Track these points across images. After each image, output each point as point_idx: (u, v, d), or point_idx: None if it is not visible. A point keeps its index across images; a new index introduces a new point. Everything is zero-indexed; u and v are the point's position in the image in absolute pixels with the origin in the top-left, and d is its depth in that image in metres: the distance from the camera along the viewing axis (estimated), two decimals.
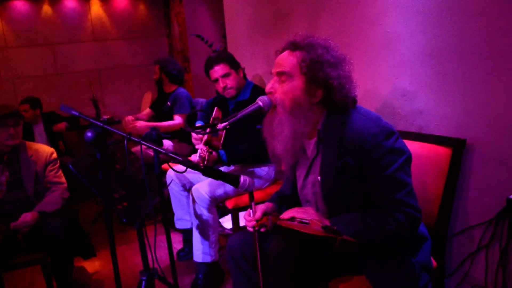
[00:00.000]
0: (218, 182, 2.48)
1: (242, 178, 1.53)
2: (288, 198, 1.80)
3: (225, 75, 2.58)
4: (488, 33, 1.54)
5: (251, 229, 1.60)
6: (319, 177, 1.52)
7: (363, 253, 1.44)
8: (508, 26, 1.48)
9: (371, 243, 1.38)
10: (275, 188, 2.65)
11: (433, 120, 1.77)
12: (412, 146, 1.61)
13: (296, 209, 1.50)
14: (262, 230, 1.59)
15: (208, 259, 2.48)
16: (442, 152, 1.68)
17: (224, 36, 4.43)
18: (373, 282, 1.39)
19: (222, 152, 2.46)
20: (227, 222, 3.35)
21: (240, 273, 1.70)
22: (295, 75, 1.46)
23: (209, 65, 2.62)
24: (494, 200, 1.59)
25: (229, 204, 2.52)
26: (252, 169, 2.66)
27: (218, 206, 2.61)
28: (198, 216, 2.47)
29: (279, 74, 1.49)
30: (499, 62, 1.52)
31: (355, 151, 1.40)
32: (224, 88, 2.61)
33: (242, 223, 2.61)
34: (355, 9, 2.11)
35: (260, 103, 1.52)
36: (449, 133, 1.70)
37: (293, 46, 1.49)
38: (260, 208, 1.65)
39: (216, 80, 2.61)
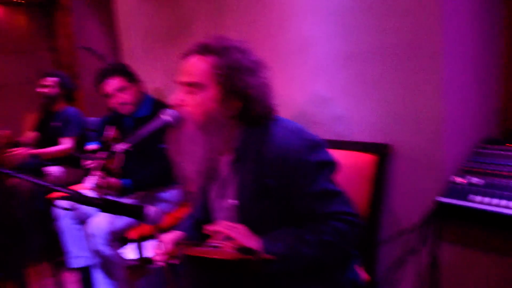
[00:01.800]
0: None
1: (149, 210, 1.24)
2: (200, 223, 1.54)
3: (121, 89, 2.30)
4: (408, 34, 1.48)
5: (162, 263, 1.38)
6: (234, 201, 1.31)
7: (289, 279, 1.25)
8: (428, 26, 1.44)
9: (308, 260, 1.20)
10: (183, 212, 2.39)
11: (354, 126, 1.68)
12: (333, 154, 1.46)
13: (225, 224, 1.25)
14: (173, 262, 1.38)
15: None
16: (366, 159, 1.59)
17: (116, 49, 4.09)
18: None
19: (126, 180, 2.13)
20: (129, 253, 2.95)
21: None
22: (209, 84, 1.25)
23: (101, 78, 2.32)
24: (422, 204, 1.54)
25: (133, 234, 2.19)
26: (156, 193, 2.36)
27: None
28: (98, 253, 2.11)
29: (189, 84, 1.26)
30: (419, 63, 1.48)
31: (277, 170, 1.22)
32: (121, 104, 2.28)
33: (149, 253, 2.33)
34: (263, 13, 1.97)
35: (168, 117, 1.27)
36: (372, 138, 1.62)
37: (203, 50, 1.27)
38: (170, 239, 1.44)
39: (109, 95, 2.30)
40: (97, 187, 1.95)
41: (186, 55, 1.31)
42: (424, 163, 1.52)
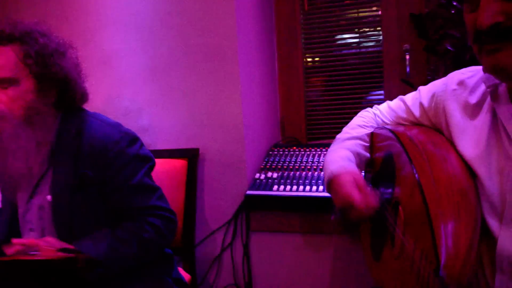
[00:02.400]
0: None
1: None
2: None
3: None
4: (210, 51, 1.68)
5: None
6: (48, 197, 1.21)
7: (119, 279, 1.21)
8: (226, 47, 1.66)
9: (128, 258, 1.19)
10: None
11: (161, 135, 1.74)
12: None
13: (31, 240, 1.12)
14: None
15: None
16: (177, 164, 1.68)
17: None
18: None
19: None
20: None
21: None
22: (21, 76, 1.15)
23: None
24: (232, 201, 1.72)
25: None
26: None
27: None
28: None
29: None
30: (222, 79, 1.68)
31: (95, 161, 1.19)
32: None
33: None
34: (63, 24, 1.86)
35: None
36: (181, 145, 1.70)
37: (3, 40, 1.16)
38: None
39: None
40: None
41: None
42: (230, 164, 1.70)
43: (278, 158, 1.82)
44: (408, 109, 1.08)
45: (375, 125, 1.16)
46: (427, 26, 1.79)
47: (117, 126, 1.25)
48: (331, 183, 1.02)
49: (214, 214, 1.73)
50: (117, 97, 1.84)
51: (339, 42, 2.03)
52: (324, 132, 2.06)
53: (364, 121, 1.18)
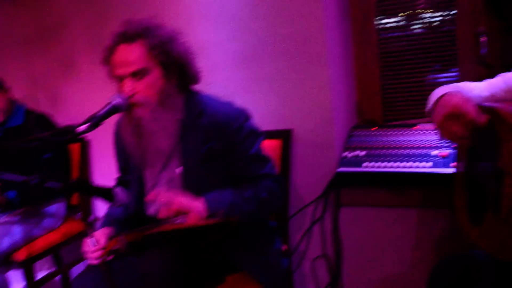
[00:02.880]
0: (2, 233, 1.96)
1: (117, 191, 1.25)
2: (122, 221, 1.58)
3: None
4: (297, 40, 1.83)
5: (96, 261, 1.37)
6: (178, 169, 1.43)
7: (236, 248, 1.41)
8: (312, 34, 1.80)
9: (246, 215, 1.36)
10: (70, 226, 2.28)
11: (256, 119, 1.89)
12: None
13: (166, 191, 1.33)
14: (110, 258, 1.39)
15: None
16: (272, 144, 1.84)
17: None
18: (253, 275, 1.39)
19: (10, 192, 1.93)
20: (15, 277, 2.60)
21: None
22: (151, 66, 1.35)
23: None
24: (321, 178, 1.87)
25: (20, 255, 2.00)
26: (41, 208, 2.19)
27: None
28: None
29: (134, 73, 1.34)
30: (309, 63, 1.83)
31: (220, 135, 1.39)
32: None
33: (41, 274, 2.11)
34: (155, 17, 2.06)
35: (115, 101, 1.29)
36: (272, 127, 1.87)
37: (127, 38, 1.35)
38: (101, 235, 1.44)
39: None
40: None
41: (112, 49, 1.36)
42: (320, 144, 1.86)
43: (360, 138, 1.96)
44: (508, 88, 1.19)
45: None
46: (505, 7, 1.86)
47: (231, 104, 1.46)
48: (439, 101, 1.10)
49: (305, 190, 1.90)
50: (211, 83, 2.01)
51: (413, 22, 2.12)
52: (399, 113, 2.17)
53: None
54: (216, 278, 1.40)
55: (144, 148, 1.41)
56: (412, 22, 2.12)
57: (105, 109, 1.28)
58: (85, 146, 2.42)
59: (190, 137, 1.41)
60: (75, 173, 2.39)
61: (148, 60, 1.34)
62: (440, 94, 1.12)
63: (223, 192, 1.38)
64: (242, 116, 1.43)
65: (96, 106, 2.32)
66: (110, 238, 1.46)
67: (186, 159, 1.42)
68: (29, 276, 2.05)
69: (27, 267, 2.04)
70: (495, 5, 1.90)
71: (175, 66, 1.38)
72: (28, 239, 2.07)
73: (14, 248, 2.01)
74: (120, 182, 1.64)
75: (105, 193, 1.19)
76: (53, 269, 2.36)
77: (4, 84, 2.17)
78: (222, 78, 1.95)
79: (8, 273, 2.14)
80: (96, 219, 1.50)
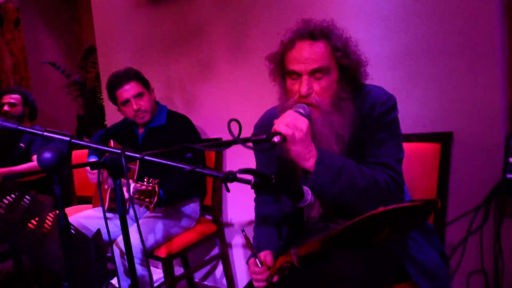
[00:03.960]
0: (147, 229, 2.07)
1: (307, 193, 1.24)
2: (276, 217, 1.58)
3: (139, 95, 2.22)
4: (460, 36, 1.75)
5: (262, 283, 1.39)
6: None
7: (405, 250, 1.38)
8: (481, 28, 1.71)
9: (354, 184, 1.29)
10: (204, 227, 2.38)
11: (407, 120, 1.83)
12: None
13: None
14: (276, 279, 1.40)
15: None
16: (429, 147, 1.76)
17: (81, 67, 3.86)
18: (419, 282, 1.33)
19: (160, 191, 2.04)
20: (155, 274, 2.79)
21: None
22: (331, 67, 1.35)
23: (117, 83, 2.22)
24: (483, 185, 1.76)
25: (162, 252, 2.11)
26: (179, 207, 2.29)
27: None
28: (128, 273, 1.95)
29: (314, 71, 1.34)
30: (475, 61, 1.73)
31: (366, 120, 1.37)
32: (138, 111, 2.20)
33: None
34: (304, 15, 2.08)
35: (302, 110, 1.29)
36: (427, 129, 1.78)
37: (311, 35, 1.35)
38: (266, 255, 1.46)
39: (127, 102, 2.22)
40: (138, 194, 1.78)
41: (291, 44, 1.36)
42: (483, 148, 1.75)
43: None
44: None
45: None
46: None
47: (383, 89, 1.44)
48: None
49: (465, 197, 1.79)
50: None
51: None
52: None
53: None
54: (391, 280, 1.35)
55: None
56: None
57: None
58: (220, 153, 2.50)
59: (355, 133, 1.39)
60: None
61: (331, 60, 1.34)
62: None
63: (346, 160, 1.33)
64: (391, 101, 1.39)
65: (230, 110, 2.43)
66: (277, 255, 1.48)
67: (350, 153, 1.39)
68: (169, 272, 2.15)
69: (168, 264, 2.14)
70: None
71: (351, 70, 1.37)
72: (168, 237, 2.18)
73: (157, 245, 2.12)
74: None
75: (295, 193, 1.20)
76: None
77: (150, 86, 2.32)
78: (376, 79, 1.91)
79: (151, 267, 2.26)
80: (243, 230, 1.50)
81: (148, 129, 2.32)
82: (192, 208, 2.36)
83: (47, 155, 1.05)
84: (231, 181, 1.06)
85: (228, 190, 1.06)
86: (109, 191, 2.23)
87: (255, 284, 1.42)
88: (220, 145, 1.18)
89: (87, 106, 4.11)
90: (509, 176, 1.67)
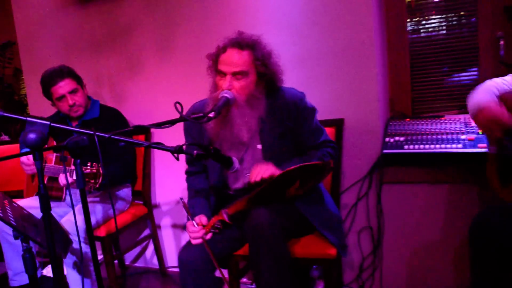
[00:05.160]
0: (93, 207, 2.38)
1: (235, 161, 1.67)
2: (207, 190, 2.00)
3: (73, 91, 2.50)
4: (349, 42, 2.31)
5: (198, 241, 1.79)
6: (258, 146, 1.90)
7: (310, 210, 1.89)
8: (356, 35, 2.27)
9: None
10: (136, 209, 2.74)
11: None
12: None
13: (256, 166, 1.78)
14: (209, 236, 1.81)
15: None
16: (328, 131, 2.27)
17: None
18: (324, 233, 1.86)
19: None
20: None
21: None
22: (250, 72, 1.81)
23: (52, 80, 2.47)
24: (368, 159, 2.35)
25: (102, 232, 2.43)
26: (114, 191, 2.61)
27: None
28: (74, 252, 2.25)
29: (236, 73, 1.79)
30: (359, 62, 2.30)
31: (292, 114, 1.88)
32: (73, 106, 2.49)
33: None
34: (222, 23, 2.51)
35: (227, 95, 1.72)
36: (327, 117, 2.31)
37: (239, 45, 1.81)
38: (200, 217, 1.86)
39: (62, 97, 2.48)
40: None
41: (224, 49, 1.80)
42: (366, 131, 2.32)
43: (397, 127, 2.41)
44: None
45: (501, 89, 1.73)
46: None
47: (295, 90, 1.94)
48: (481, 111, 1.66)
49: (354, 170, 2.36)
50: None
51: (438, 26, 2.59)
52: (426, 107, 2.63)
53: (493, 84, 1.76)
54: (300, 233, 1.85)
55: (227, 135, 1.84)
56: (437, 26, 2.59)
57: (221, 101, 1.70)
58: (149, 139, 2.84)
59: (268, 123, 1.88)
60: (140, 160, 2.81)
61: (251, 67, 1.80)
62: (480, 103, 1.67)
63: (293, 161, 1.85)
64: (304, 97, 1.93)
65: (158, 105, 2.78)
66: (210, 214, 1.90)
67: (265, 138, 1.89)
68: (109, 250, 2.46)
69: (108, 242, 2.45)
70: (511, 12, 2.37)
71: (267, 76, 1.85)
72: (106, 218, 2.49)
73: (97, 225, 2.42)
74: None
75: (227, 161, 1.62)
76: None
77: (83, 82, 2.59)
78: (285, 77, 2.39)
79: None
80: (181, 198, 1.89)
81: (82, 122, 2.59)
82: (125, 192, 2.68)
83: (32, 135, 1.37)
84: (179, 153, 1.46)
85: (177, 159, 1.46)
86: (46, 179, 2.46)
87: (192, 241, 1.82)
88: (167, 123, 1.55)
89: (5, 103, 4.14)
90: (385, 151, 2.25)
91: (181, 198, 1.85)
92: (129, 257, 3.16)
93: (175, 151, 1.46)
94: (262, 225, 1.66)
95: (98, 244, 2.65)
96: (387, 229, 2.39)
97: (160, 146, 1.49)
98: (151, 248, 3.05)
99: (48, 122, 1.43)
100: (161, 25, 2.75)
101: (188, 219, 1.85)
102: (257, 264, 1.68)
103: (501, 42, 2.41)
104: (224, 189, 1.99)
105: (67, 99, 2.47)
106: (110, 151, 2.45)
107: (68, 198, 2.50)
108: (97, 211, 2.45)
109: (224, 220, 1.78)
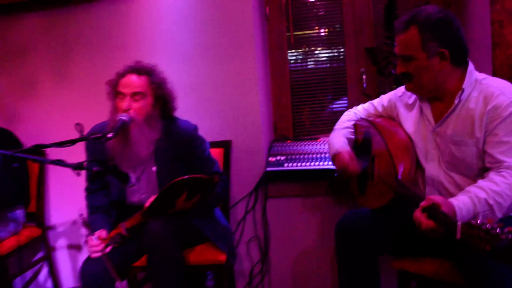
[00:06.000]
0: None
1: (130, 174, 1.89)
2: (107, 207, 2.20)
3: None
4: (235, 72, 2.66)
5: (98, 254, 1.95)
6: (153, 168, 2.15)
7: (202, 221, 2.18)
8: (242, 67, 2.64)
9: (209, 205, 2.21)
10: (29, 231, 2.82)
11: (203, 132, 2.61)
12: None
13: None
14: (109, 249, 1.98)
15: None
16: (217, 151, 2.59)
17: None
18: (216, 243, 2.17)
19: None
20: None
21: None
22: (147, 94, 2.06)
23: None
24: (253, 177, 2.69)
25: None
26: (6, 213, 2.66)
27: None
28: None
29: (134, 94, 2.04)
30: (245, 90, 2.67)
31: (184, 143, 2.16)
32: None
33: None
34: (119, 50, 2.74)
35: (124, 118, 1.95)
36: (217, 138, 2.63)
37: (138, 71, 2.09)
38: (101, 232, 2.05)
39: None
40: None
41: (123, 74, 2.05)
42: (251, 151, 2.67)
43: (279, 148, 2.80)
44: (375, 108, 2.12)
45: (355, 119, 2.18)
46: (377, 56, 2.87)
47: (189, 122, 2.22)
48: (335, 157, 2.03)
49: (242, 186, 2.68)
50: None
51: (314, 58, 3.06)
52: (306, 130, 3.07)
53: (350, 116, 2.20)
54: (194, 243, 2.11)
55: (126, 153, 2.05)
56: (313, 58, 3.06)
57: (119, 123, 1.92)
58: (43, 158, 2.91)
59: (162, 146, 2.13)
60: (34, 180, 2.87)
61: (148, 89, 2.06)
62: (336, 150, 2.03)
63: None
64: (196, 131, 2.21)
65: (54, 127, 2.87)
66: (109, 230, 2.08)
67: (159, 161, 2.14)
68: (3, 272, 2.49)
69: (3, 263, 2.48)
70: (371, 53, 2.90)
71: (163, 99, 2.12)
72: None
73: None
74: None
75: (124, 177, 1.83)
76: None
77: None
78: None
79: None
80: (81, 214, 2.06)
81: None
82: (18, 214, 2.72)
83: None
84: (80, 169, 1.65)
85: (78, 174, 1.66)
86: None
87: (92, 255, 1.98)
88: (68, 142, 1.73)
89: None
90: (268, 169, 2.61)
91: (81, 214, 2.01)
92: (19, 283, 3.14)
93: (76, 167, 1.65)
94: (158, 235, 1.89)
95: None
96: (273, 238, 2.73)
97: (62, 163, 1.67)
98: (44, 271, 3.07)
99: None
100: (57, 48, 2.87)
101: (88, 234, 2.01)
102: (154, 272, 1.91)
103: (364, 77, 2.93)
104: (123, 204, 2.18)
105: None
106: (3, 171, 2.52)
107: None
108: None
109: (122, 234, 1.97)
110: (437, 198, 1.51)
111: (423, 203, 1.50)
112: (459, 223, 1.29)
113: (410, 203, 1.60)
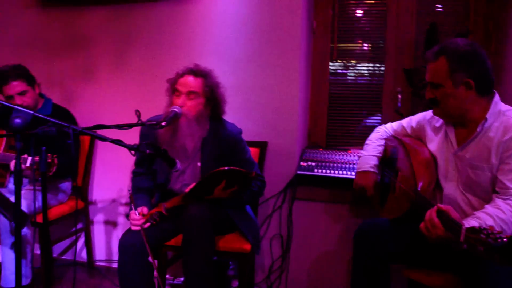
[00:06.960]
0: (29, 198, 2.70)
1: (176, 160, 2.16)
2: (150, 189, 2.47)
3: (22, 93, 2.78)
4: (276, 79, 2.92)
5: (137, 228, 2.23)
6: (198, 164, 2.40)
7: (235, 212, 2.43)
8: (284, 74, 2.89)
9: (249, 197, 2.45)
10: (74, 202, 3.12)
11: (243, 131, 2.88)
12: None
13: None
14: (147, 225, 2.26)
15: (26, 281, 2.62)
16: (253, 151, 2.84)
17: None
18: (245, 233, 2.42)
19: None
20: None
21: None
22: (201, 94, 2.34)
23: (3, 79, 2.73)
24: (283, 178, 2.93)
25: (40, 219, 2.76)
26: (57, 183, 2.97)
27: None
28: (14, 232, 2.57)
29: (190, 93, 2.32)
30: (284, 97, 2.92)
31: (228, 145, 2.41)
32: (20, 106, 2.81)
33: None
34: (171, 49, 3.03)
35: (176, 110, 2.22)
36: (254, 139, 2.88)
37: (195, 73, 2.36)
38: (142, 208, 2.33)
39: (11, 97, 2.76)
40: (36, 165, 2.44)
41: (182, 75, 2.33)
42: (285, 154, 2.91)
43: (311, 154, 3.03)
44: (404, 128, 2.34)
45: (385, 136, 2.39)
46: (414, 77, 3.06)
47: (235, 125, 2.49)
48: (363, 173, 2.31)
49: (272, 186, 2.91)
50: None
51: (356, 71, 3.28)
52: (338, 140, 3.28)
53: (381, 134, 2.42)
54: (224, 231, 2.37)
55: (174, 144, 2.32)
56: (353, 72, 3.27)
57: (171, 114, 2.20)
58: (93, 140, 3.23)
59: (208, 145, 2.41)
60: (82, 158, 3.19)
61: (202, 90, 2.34)
62: (362, 168, 2.34)
63: None
64: (241, 133, 2.48)
65: (106, 112, 3.19)
66: (150, 208, 2.36)
67: (204, 158, 2.42)
68: (45, 236, 2.80)
69: (45, 229, 2.79)
70: (408, 74, 3.09)
71: (214, 101, 2.39)
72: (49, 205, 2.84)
73: (37, 212, 2.75)
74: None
75: (172, 161, 2.10)
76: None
77: (35, 81, 2.91)
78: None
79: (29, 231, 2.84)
80: (129, 190, 2.35)
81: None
82: (66, 185, 3.05)
83: (18, 120, 1.77)
84: (136, 150, 1.93)
85: (134, 155, 1.93)
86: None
87: (132, 228, 2.26)
88: (126, 125, 2.00)
89: None
90: (299, 172, 2.84)
91: (129, 190, 2.30)
92: (56, 249, 3.47)
93: (133, 148, 1.93)
94: (197, 217, 2.15)
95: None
96: (295, 238, 2.96)
97: (121, 143, 1.95)
98: (81, 241, 3.39)
99: (32, 112, 1.84)
100: (118, 40, 3.20)
101: (131, 209, 2.29)
102: (188, 249, 2.17)
103: (399, 96, 3.13)
104: (166, 189, 2.46)
105: (15, 100, 2.74)
106: (58, 145, 2.83)
107: (10, 184, 2.82)
108: (38, 199, 2.78)
109: (162, 212, 2.24)
110: (450, 207, 1.72)
111: (440, 205, 1.72)
112: (463, 226, 1.50)
113: (425, 212, 1.80)
